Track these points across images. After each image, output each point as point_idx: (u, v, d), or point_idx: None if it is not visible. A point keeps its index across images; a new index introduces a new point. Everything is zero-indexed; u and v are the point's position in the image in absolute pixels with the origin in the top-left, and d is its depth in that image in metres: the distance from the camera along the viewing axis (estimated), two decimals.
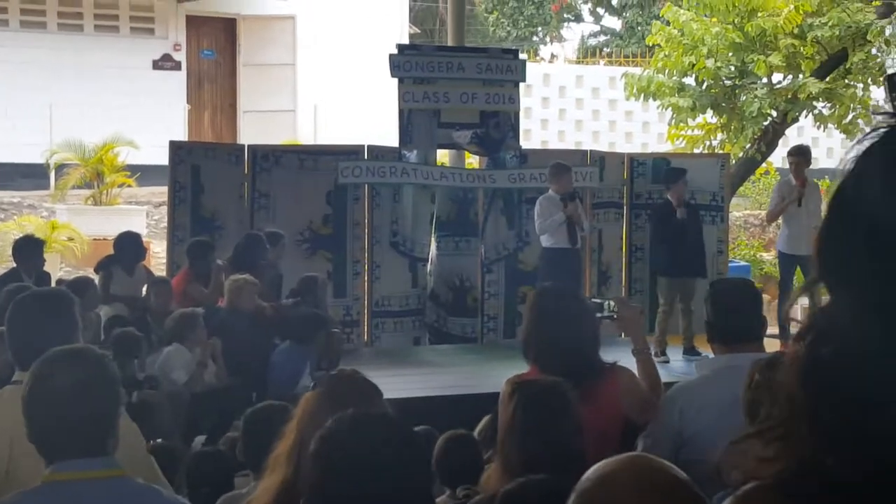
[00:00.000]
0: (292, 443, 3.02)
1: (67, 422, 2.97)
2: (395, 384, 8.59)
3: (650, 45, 15.31)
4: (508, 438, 3.41)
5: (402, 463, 2.51)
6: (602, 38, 33.78)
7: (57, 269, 15.20)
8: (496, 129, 12.19)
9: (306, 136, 20.82)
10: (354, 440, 2.53)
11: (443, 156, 13.70)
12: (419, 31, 26.34)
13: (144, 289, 9.98)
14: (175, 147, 11.77)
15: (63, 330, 3.87)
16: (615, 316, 5.00)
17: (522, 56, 14.11)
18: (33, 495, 2.99)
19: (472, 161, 13.70)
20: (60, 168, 18.44)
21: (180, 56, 21.51)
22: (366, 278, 11.86)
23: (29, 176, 18.96)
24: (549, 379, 3.63)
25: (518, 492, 2.96)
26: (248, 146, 12.07)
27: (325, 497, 2.50)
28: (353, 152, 11.91)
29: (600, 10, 33.15)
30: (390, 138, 12.33)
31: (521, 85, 12.47)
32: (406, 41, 20.54)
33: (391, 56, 12.04)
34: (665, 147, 17.87)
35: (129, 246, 10.23)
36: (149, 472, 3.68)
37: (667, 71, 14.72)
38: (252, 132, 20.33)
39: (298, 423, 3.05)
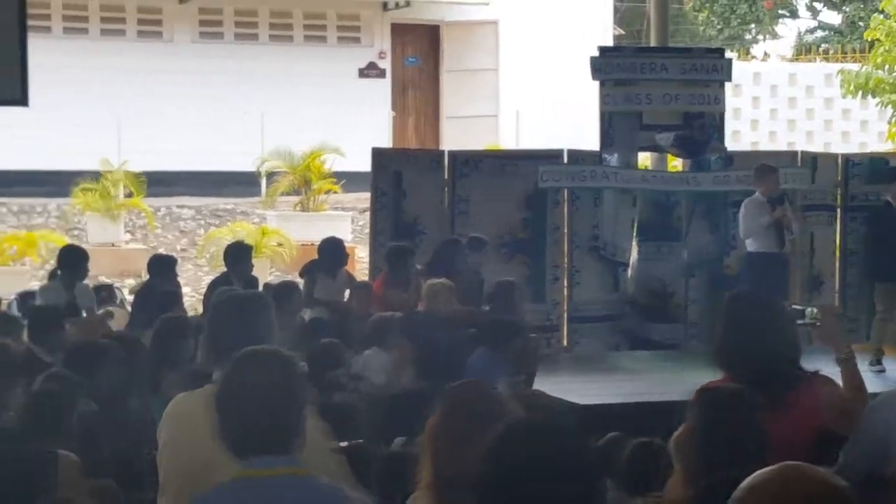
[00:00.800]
0: (431, 464, 3.04)
1: (254, 420, 3.07)
2: (590, 390, 8.61)
3: (869, 39, 14.77)
4: (689, 445, 3.39)
5: (575, 469, 2.53)
6: (820, 34, 32.78)
7: (266, 273, 15.71)
8: (700, 131, 11.99)
9: (508, 140, 20.87)
10: (531, 444, 2.57)
11: (644, 159, 13.57)
12: (624, 33, 26.08)
13: (347, 293, 10.14)
14: (377, 154, 12.02)
15: (257, 331, 3.97)
16: (817, 324, 4.84)
17: (729, 55, 13.85)
18: (224, 490, 3.12)
19: (675, 164, 13.51)
20: (271, 175, 19.00)
21: (385, 63, 21.85)
22: (565, 283, 11.84)
23: (242, 183, 19.62)
24: (733, 386, 3.60)
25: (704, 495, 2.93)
26: (448, 152, 12.23)
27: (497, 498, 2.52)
28: (553, 157, 11.93)
29: (818, 5, 32.16)
30: (592, 142, 12.28)
31: (729, 85, 12.25)
32: (610, 43, 20.44)
33: (592, 59, 12.00)
34: (885, 146, 17.22)
35: (332, 251, 10.47)
36: (337, 472, 3.76)
37: (886, 67, 14.17)
38: (454, 138, 20.53)
39: (432, 443, 3.06)
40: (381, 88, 21.68)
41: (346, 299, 10.17)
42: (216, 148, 19.84)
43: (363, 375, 8.04)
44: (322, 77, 20.83)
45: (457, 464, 2.97)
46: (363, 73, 21.68)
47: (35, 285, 13.01)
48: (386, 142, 19.84)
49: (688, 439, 3.39)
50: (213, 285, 9.86)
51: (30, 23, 11.66)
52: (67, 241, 14.66)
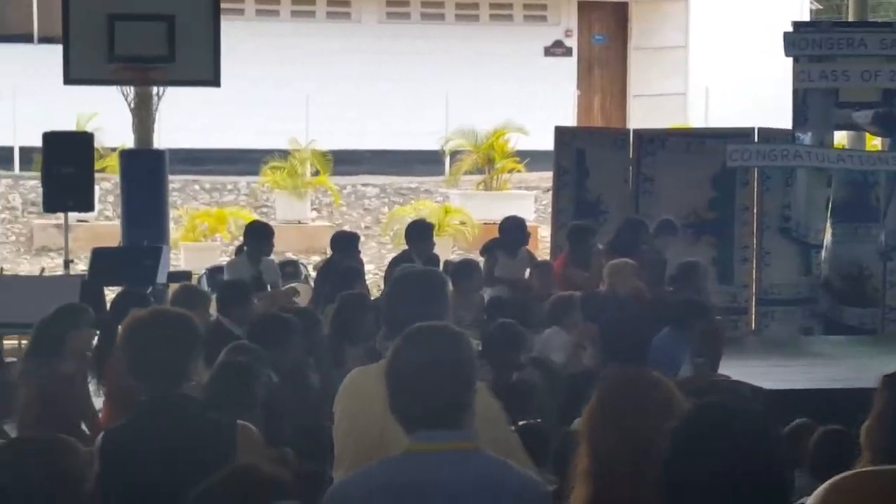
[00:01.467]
0: (588, 451, 3.01)
1: (424, 395, 3.08)
2: (778, 374, 8.38)
3: None
4: (876, 432, 3.30)
5: (763, 455, 2.51)
6: None
7: (448, 251, 15.84)
8: None
9: (697, 119, 20.52)
10: (719, 427, 2.56)
11: (840, 137, 13.14)
12: (822, 7, 25.21)
13: (527, 272, 10.13)
14: (560, 132, 11.97)
15: (433, 308, 3.99)
16: None
17: None
18: (393, 463, 3.15)
19: (875, 143, 13.03)
20: (454, 154, 19.16)
21: (571, 42, 21.74)
22: (754, 265, 11.58)
23: (426, 162, 19.86)
24: None
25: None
26: (634, 130, 12.10)
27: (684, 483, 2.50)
28: (743, 135, 11.67)
29: None
30: (784, 120, 11.96)
31: None
32: (806, 17, 19.90)
33: (786, 34, 11.66)
34: None
35: (513, 230, 10.46)
36: (509, 449, 3.75)
37: None
38: (641, 116, 20.27)
39: (589, 429, 3.03)
40: (567, 67, 21.59)
41: (526, 278, 10.10)
42: (401, 127, 20.06)
43: (543, 354, 8.02)
44: (507, 56, 20.83)
45: (614, 452, 2.94)
46: (549, 52, 21.61)
47: (224, 260, 13.35)
48: (570, 121, 19.76)
49: (875, 426, 3.26)
50: (394, 262, 9.96)
51: (223, 6, 12.23)
52: (255, 217, 15.01)
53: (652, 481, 2.58)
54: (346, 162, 19.09)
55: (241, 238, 11.24)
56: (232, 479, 3.01)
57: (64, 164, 11.20)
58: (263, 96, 19.65)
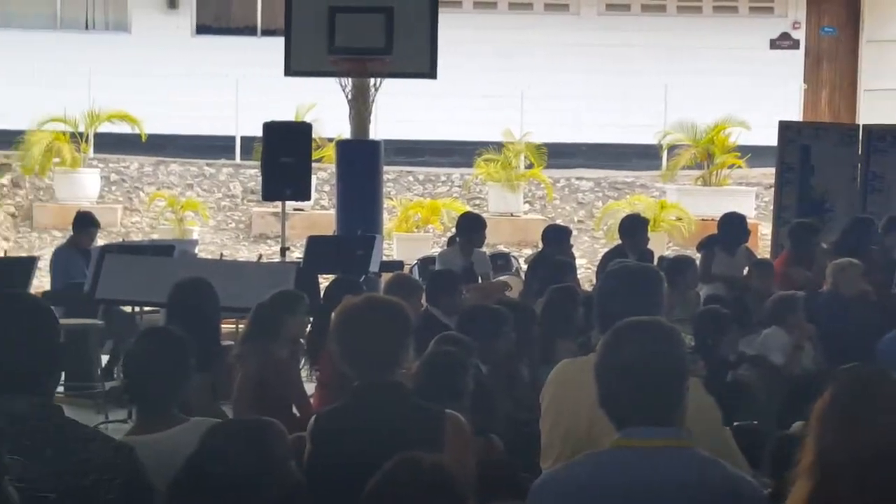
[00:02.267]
0: (814, 448, 2.92)
1: (634, 390, 3.06)
2: None
3: None
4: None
5: None
6: None
7: (663, 247, 15.68)
8: None
9: None
10: None
11: None
12: None
13: (745, 270, 9.95)
14: (784, 127, 11.73)
15: (646, 303, 3.95)
16: None
17: None
18: (600, 457, 3.12)
19: None
20: (672, 149, 18.91)
21: (799, 34, 21.20)
22: None
23: (643, 156, 19.71)
24: None
25: None
26: (863, 126, 11.70)
27: None
28: None
29: None
30: None
31: None
32: None
33: None
34: None
35: (733, 226, 10.28)
36: (723, 449, 3.70)
37: None
38: (871, 112, 19.53)
39: (818, 426, 2.93)
40: (793, 60, 21.05)
41: (744, 276, 9.91)
42: (617, 120, 19.94)
43: (761, 354, 7.84)
44: (730, 49, 20.48)
45: (842, 450, 2.85)
46: (774, 45, 21.15)
47: (436, 251, 13.50)
48: (795, 115, 19.25)
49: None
50: (607, 257, 9.93)
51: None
52: (468, 209, 15.13)
53: (879, 484, 2.48)
54: (560, 155, 19.06)
55: (454, 229, 11.36)
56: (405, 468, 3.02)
57: (283, 154, 11.42)
58: (479, 88, 19.79)
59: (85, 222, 11.26)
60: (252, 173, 18.42)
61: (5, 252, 15.87)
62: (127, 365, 4.15)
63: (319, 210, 17.89)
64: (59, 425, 3.22)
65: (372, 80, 12.43)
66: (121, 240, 15.15)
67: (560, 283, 8.00)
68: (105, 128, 18.82)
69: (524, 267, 11.95)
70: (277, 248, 14.02)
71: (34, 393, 3.23)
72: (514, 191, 18.17)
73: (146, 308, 9.87)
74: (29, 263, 10.31)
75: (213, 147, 19.54)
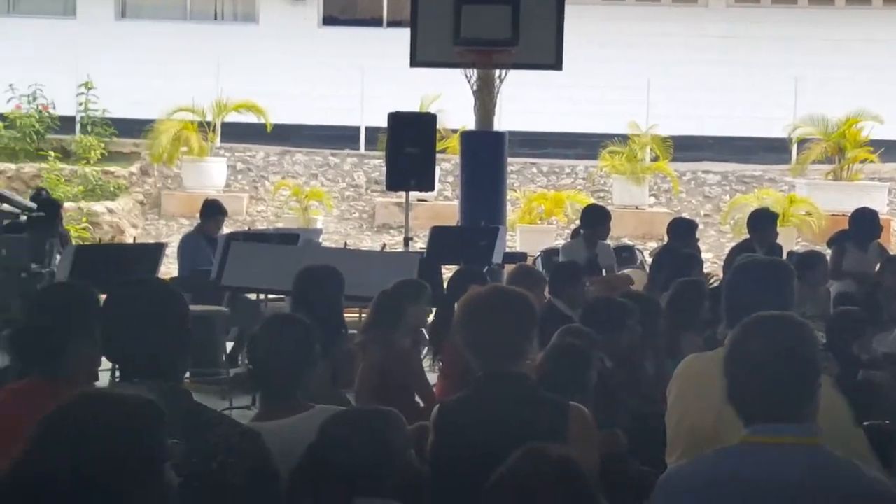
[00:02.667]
0: None
1: (763, 386, 3.00)
2: None
3: None
4: None
5: None
6: None
7: (792, 242, 15.47)
8: None
9: None
10: None
11: None
12: None
13: (877, 266, 9.79)
14: None
15: (776, 298, 3.89)
16: None
17: None
18: (729, 453, 3.07)
19: None
20: (802, 142, 18.67)
21: None
22: None
23: (771, 150, 19.49)
24: None
25: None
26: None
27: None
28: None
29: None
30: None
31: None
32: None
33: None
34: None
35: (864, 222, 10.14)
36: (855, 448, 3.61)
37: None
38: None
39: None
40: None
41: (876, 273, 9.73)
42: (745, 113, 19.79)
43: (893, 353, 7.62)
44: (863, 41, 20.23)
45: None
46: None
47: (559, 243, 13.49)
48: None
49: None
50: (734, 251, 9.75)
51: None
52: (592, 201, 15.08)
53: None
54: (686, 148, 18.96)
55: (578, 221, 11.28)
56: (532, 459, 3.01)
57: (407, 144, 11.45)
58: (604, 80, 19.79)
59: (213, 210, 11.41)
60: (376, 163, 18.65)
61: (134, 239, 16.41)
62: (252, 351, 4.19)
63: (443, 201, 18.06)
64: (188, 409, 3.27)
65: (497, 72, 12.41)
66: (246, 228, 15.27)
67: (686, 277, 7.89)
68: (232, 117, 19.22)
69: (649, 260, 11.88)
70: (401, 238, 14.17)
71: (165, 378, 3.29)
72: (640, 183, 18.06)
73: (271, 296, 9.96)
74: (157, 250, 10.44)
75: (338, 137, 19.78)
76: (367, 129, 19.28)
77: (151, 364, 3.28)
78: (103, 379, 5.40)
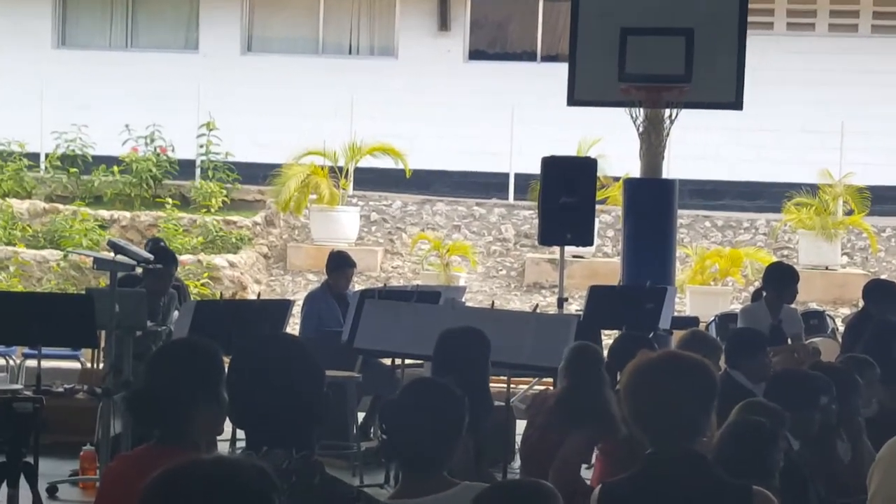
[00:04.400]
0: None
1: None
2: None
3: None
4: None
5: None
6: None
7: None
8: None
9: None
10: None
11: None
12: None
13: None
14: None
15: None
16: None
17: None
18: None
19: None
20: None
21: None
22: None
23: None
24: None
25: None
26: None
27: None
28: None
29: None
30: None
31: None
32: None
33: None
34: None
35: None
36: None
37: None
38: None
39: None
40: None
41: None
42: None
43: None
44: None
45: None
46: None
47: (736, 306, 13.55)
48: None
49: None
50: None
51: (750, 20, 12.20)
52: (775, 260, 14.90)
53: None
54: (886, 200, 18.66)
55: (759, 282, 11.16)
56: None
57: (563, 193, 11.45)
58: (791, 122, 19.73)
59: (340, 262, 11.54)
60: (527, 215, 18.74)
61: (258, 295, 16.48)
62: (391, 420, 4.19)
63: (602, 257, 18.07)
64: (323, 482, 3.33)
65: (667, 112, 12.36)
66: (381, 285, 15.46)
67: (887, 349, 7.72)
68: (366, 162, 19.43)
69: (841, 328, 11.68)
70: (554, 298, 14.16)
71: (299, 447, 3.35)
72: (831, 240, 17.81)
73: (408, 360, 10.05)
74: (283, 307, 10.58)
75: (485, 185, 19.95)
76: (516, 175, 19.36)
77: (282, 430, 3.33)
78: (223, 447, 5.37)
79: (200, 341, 3.98)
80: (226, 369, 3.61)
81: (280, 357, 3.45)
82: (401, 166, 19.18)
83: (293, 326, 12.25)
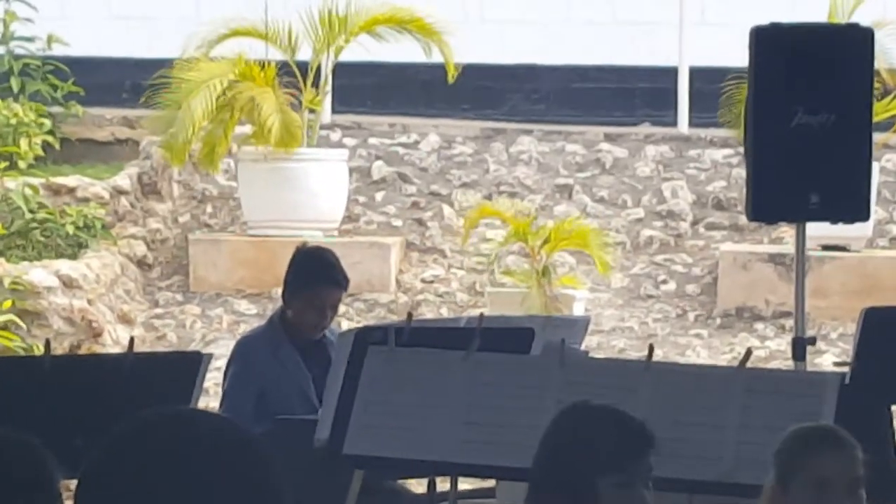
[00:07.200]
0: None
1: None
2: None
3: None
4: None
5: None
6: None
7: None
8: None
9: None
10: None
11: None
12: None
13: None
14: None
15: None
16: None
17: None
18: None
19: None
20: None
21: None
22: None
23: None
24: None
25: None
26: None
27: None
28: None
29: None
30: None
31: None
32: None
33: None
34: None
35: None
36: None
37: None
38: None
39: None
40: None
41: None
42: None
43: None
44: None
45: None
46: None
47: None
48: None
49: None
50: None
51: None
52: None
53: None
54: None
55: None
56: None
57: (801, 106, 10.06)
58: None
59: (311, 272, 10.64)
60: (716, 159, 16.40)
61: (129, 346, 15.99)
62: None
63: (888, 247, 17.15)
64: None
65: None
66: (400, 317, 15.07)
67: None
68: (359, 53, 15.72)
69: None
70: (782, 338, 14.55)
71: None
72: None
73: (464, 483, 9.97)
74: (189, 368, 9.30)
75: (620, 97, 16.94)
76: (694, 72, 16.18)
77: None
78: None
79: (11, 439, 3.38)
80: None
81: (197, 462, 2.43)
82: (436, 60, 15.26)
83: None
